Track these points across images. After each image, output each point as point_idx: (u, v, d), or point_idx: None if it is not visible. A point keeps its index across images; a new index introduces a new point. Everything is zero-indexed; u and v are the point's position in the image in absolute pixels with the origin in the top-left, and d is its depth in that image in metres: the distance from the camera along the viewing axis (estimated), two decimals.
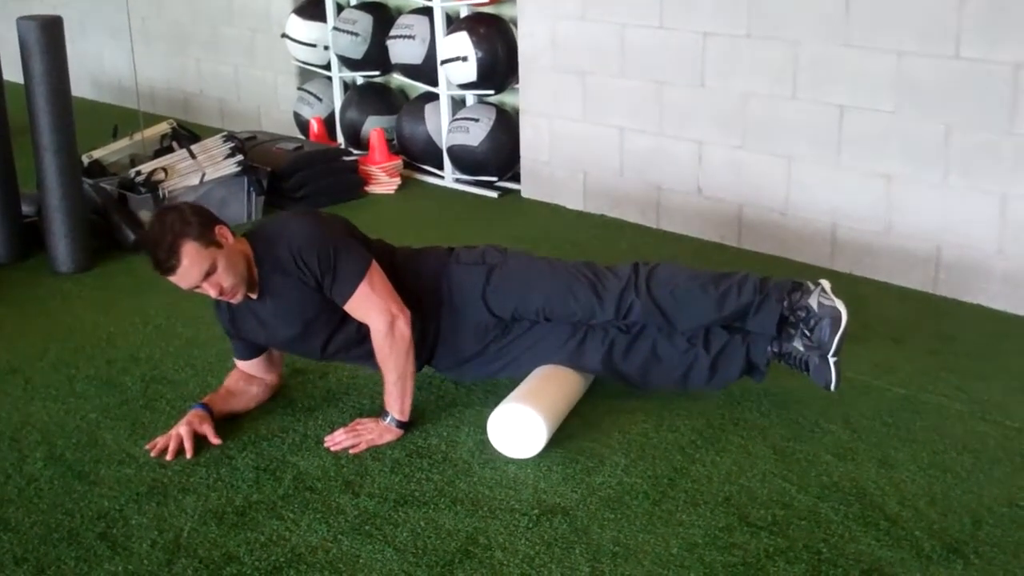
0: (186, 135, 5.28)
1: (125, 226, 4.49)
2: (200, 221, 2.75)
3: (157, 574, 2.37)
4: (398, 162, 5.52)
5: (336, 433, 2.91)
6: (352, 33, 5.60)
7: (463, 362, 3.08)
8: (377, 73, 5.82)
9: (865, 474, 2.70)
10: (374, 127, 5.57)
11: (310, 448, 2.88)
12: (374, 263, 2.86)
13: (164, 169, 4.75)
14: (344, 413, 3.06)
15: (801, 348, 2.90)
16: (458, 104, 5.42)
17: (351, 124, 5.81)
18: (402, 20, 5.43)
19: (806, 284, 2.92)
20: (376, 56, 5.62)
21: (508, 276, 2.99)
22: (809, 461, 2.76)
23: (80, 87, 5.59)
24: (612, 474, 2.72)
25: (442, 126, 5.39)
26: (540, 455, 2.80)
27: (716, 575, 2.33)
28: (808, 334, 2.86)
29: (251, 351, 3.04)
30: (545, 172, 5.09)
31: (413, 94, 5.73)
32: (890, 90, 3.84)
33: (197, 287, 2.76)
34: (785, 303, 2.89)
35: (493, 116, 5.17)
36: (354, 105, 5.83)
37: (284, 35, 6.02)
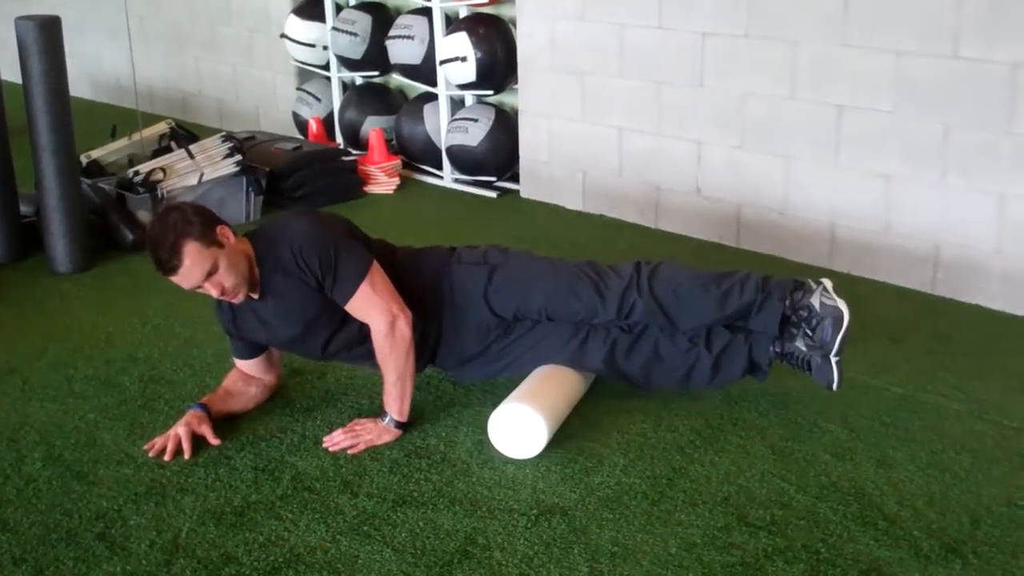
0: (184, 135, 5.27)
1: (123, 226, 4.49)
2: (202, 221, 2.75)
3: (155, 574, 2.37)
4: (397, 162, 5.52)
5: (334, 433, 2.91)
6: (351, 33, 5.60)
7: (465, 362, 3.08)
8: (376, 73, 5.81)
9: (863, 474, 2.70)
10: (373, 127, 5.57)
11: (308, 448, 2.88)
12: (375, 263, 2.86)
13: (162, 169, 4.75)
14: (342, 413, 3.06)
15: (803, 348, 2.90)
16: (457, 104, 5.42)
17: (350, 124, 5.81)
18: (401, 20, 5.43)
19: (808, 283, 2.92)
20: (375, 56, 5.62)
21: (510, 276, 2.99)
22: (808, 461, 2.76)
23: (78, 87, 5.59)
24: (611, 474, 2.72)
25: (441, 126, 5.39)
26: (539, 455, 2.80)
27: (714, 575, 2.33)
28: (810, 334, 2.86)
29: (251, 351, 3.04)
30: (544, 172, 5.09)
31: (412, 94, 5.73)
32: (889, 90, 3.84)
33: (199, 287, 2.76)
34: (787, 302, 2.89)
35: (492, 116, 5.17)
36: (353, 105, 5.83)
37: (283, 35, 6.02)
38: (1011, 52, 3.52)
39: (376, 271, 2.85)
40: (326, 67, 5.98)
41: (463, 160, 5.26)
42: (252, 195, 4.91)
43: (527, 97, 5.05)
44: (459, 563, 2.38)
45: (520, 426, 2.78)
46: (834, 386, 2.87)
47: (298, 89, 6.25)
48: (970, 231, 3.76)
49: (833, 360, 2.85)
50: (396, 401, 2.89)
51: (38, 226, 4.35)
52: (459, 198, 5.32)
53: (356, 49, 5.64)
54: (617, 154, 4.76)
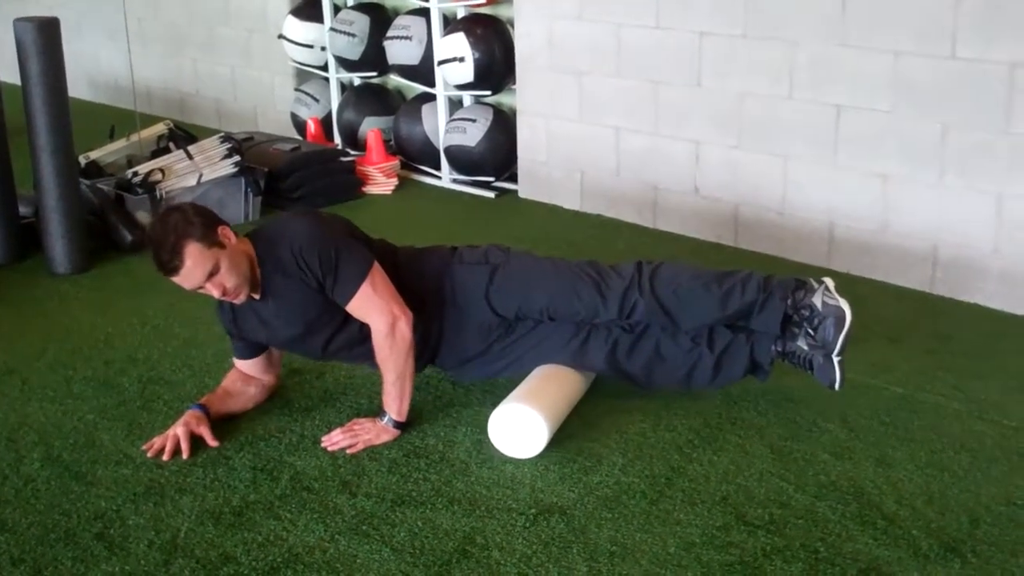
0: (183, 136, 5.27)
1: (122, 227, 4.49)
2: (203, 222, 2.75)
3: (154, 574, 2.37)
4: (395, 163, 5.52)
5: (333, 433, 2.91)
6: (349, 34, 5.60)
7: (466, 361, 3.08)
8: (374, 74, 5.81)
9: (862, 473, 2.70)
10: (371, 128, 5.58)
11: (307, 448, 2.88)
12: (376, 264, 2.85)
13: (161, 170, 4.75)
14: (341, 413, 3.06)
15: (805, 347, 2.89)
16: (455, 105, 5.43)
17: (348, 125, 5.81)
18: (399, 21, 5.43)
19: (810, 282, 2.92)
20: (373, 57, 5.62)
21: (511, 276, 2.99)
22: (806, 460, 2.76)
23: (77, 88, 5.58)
24: (609, 474, 2.72)
25: (439, 126, 5.39)
26: (538, 455, 2.79)
27: (713, 574, 2.33)
28: (812, 333, 2.86)
29: (251, 351, 3.04)
30: (542, 172, 5.09)
31: (410, 95, 5.73)
32: (887, 90, 3.84)
33: (200, 288, 2.76)
34: (789, 302, 2.89)
35: (490, 116, 5.18)
36: (351, 106, 5.83)
37: (281, 36, 6.01)
38: (1009, 52, 3.52)
39: (377, 272, 2.84)
40: (324, 68, 5.98)
41: (461, 160, 5.26)
42: (251, 196, 4.91)
43: (525, 97, 5.05)
44: (458, 563, 2.38)
45: (520, 426, 2.78)
46: (836, 386, 2.87)
47: (296, 90, 6.25)
48: (968, 231, 3.77)
49: (835, 360, 2.85)
50: (395, 401, 2.89)
51: (37, 227, 4.34)
52: (457, 198, 5.32)
53: (354, 50, 5.64)
54: (615, 154, 4.76)
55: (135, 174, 4.71)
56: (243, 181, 4.89)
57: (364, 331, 2.88)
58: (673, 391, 3.06)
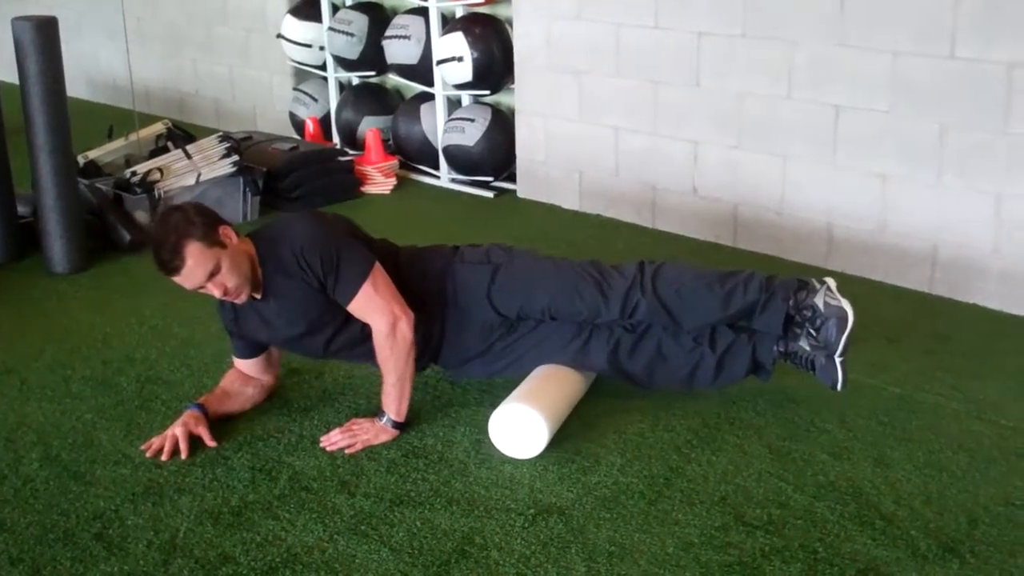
0: (181, 135, 5.27)
1: (120, 226, 4.49)
2: (204, 221, 2.75)
3: (153, 574, 2.37)
4: (394, 162, 5.52)
5: (332, 433, 2.91)
6: (348, 33, 5.60)
7: (467, 361, 3.08)
8: (373, 73, 5.81)
9: (861, 473, 2.70)
10: (370, 127, 5.57)
11: (306, 448, 2.88)
12: (377, 264, 2.85)
13: (160, 169, 4.75)
14: (340, 413, 3.06)
15: (807, 348, 2.89)
16: (454, 104, 5.42)
17: (347, 124, 5.81)
18: (397, 20, 5.42)
19: (812, 283, 2.92)
20: (372, 56, 5.62)
21: (513, 275, 2.99)
22: (805, 460, 2.76)
23: (75, 87, 5.58)
24: (608, 474, 2.72)
25: (438, 126, 5.39)
26: (536, 455, 2.79)
27: (712, 574, 2.33)
28: (814, 333, 2.86)
29: (251, 350, 3.04)
30: (541, 172, 5.09)
31: (409, 94, 5.73)
32: (886, 90, 3.84)
33: (201, 287, 2.76)
34: (791, 302, 2.89)
35: (489, 116, 5.18)
36: (350, 105, 5.83)
37: (279, 35, 6.01)
38: (1008, 52, 3.53)
39: (378, 272, 2.84)
40: (323, 67, 5.98)
41: (460, 160, 5.26)
42: (249, 195, 4.91)
43: (523, 97, 5.05)
44: (456, 563, 2.38)
45: (521, 426, 2.78)
46: (838, 386, 2.87)
47: (295, 89, 6.25)
48: (967, 231, 3.77)
49: (837, 360, 2.85)
50: (394, 402, 2.89)
51: (35, 226, 4.34)
52: (456, 198, 5.32)
53: (352, 49, 5.64)
54: (614, 154, 4.76)
55: (133, 173, 4.71)
56: (241, 181, 4.89)
57: (366, 331, 2.88)
58: (672, 391, 3.06)
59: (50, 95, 4.14)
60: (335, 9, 5.82)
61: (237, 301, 2.84)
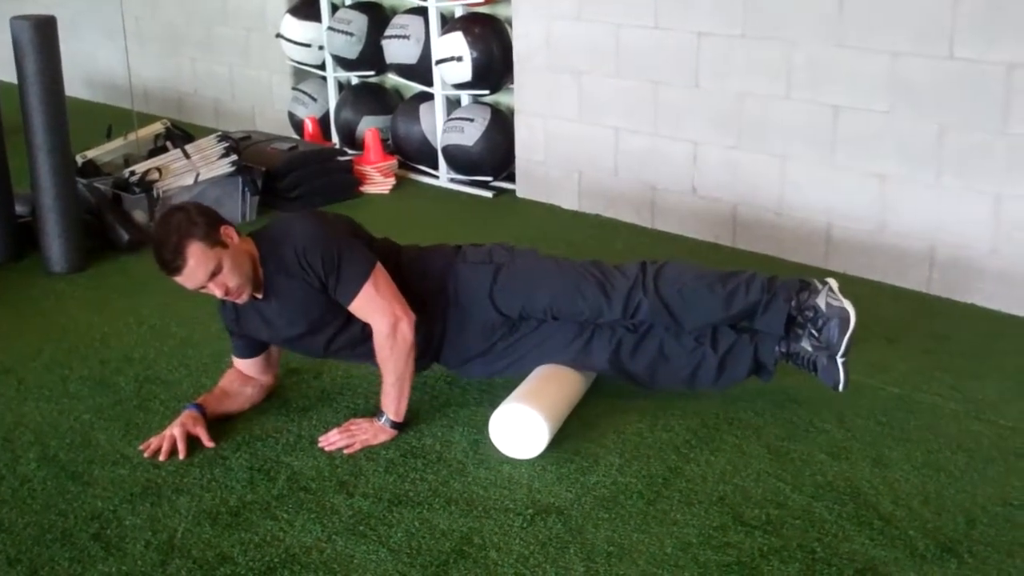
0: (180, 135, 5.27)
1: (119, 226, 4.49)
2: (206, 221, 2.75)
3: (151, 575, 2.37)
4: (393, 162, 5.51)
5: (330, 433, 2.91)
6: (347, 33, 5.60)
7: (467, 360, 3.07)
8: (372, 73, 5.81)
9: (859, 473, 2.70)
10: (369, 127, 5.57)
11: (304, 448, 2.88)
12: (378, 265, 2.85)
13: (158, 169, 4.74)
14: (339, 413, 3.06)
15: (809, 348, 2.89)
16: (453, 104, 5.42)
17: (346, 124, 5.81)
18: (397, 20, 5.42)
19: (814, 283, 2.91)
20: (371, 56, 5.62)
21: (515, 275, 2.98)
22: (803, 460, 2.76)
23: (74, 87, 5.58)
24: (607, 474, 2.72)
25: (437, 126, 5.39)
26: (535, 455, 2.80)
27: (710, 574, 2.33)
28: (816, 334, 2.85)
29: (251, 350, 3.04)
30: (540, 172, 5.09)
31: (408, 94, 5.72)
32: (885, 90, 3.84)
33: (203, 287, 2.76)
34: (793, 303, 2.88)
35: (488, 116, 5.17)
36: (349, 105, 5.83)
37: (279, 35, 6.01)
38: (1007, 53, 3.53)
39: (379, 272, 2.84)
40: (322, 67, 5.98)
41: (459, 160, 5.26)
42: (248, 195, 4.91)
43: (523, 97, 5.05)
44: (455, 563, 2.38)
45: (521, 427, 2.78)
46: (840, 387, 2.86)
47: (294, 89, 6.24)
48: (966, 231, 3.77)
49: (839, 361, 2.84)
50: (394, 402, 2.89)
51: (34, 226, 4.34)
52: (455, 198, 5.32)
53: (352, 49, 5.64)
54: (613, 154, 4.76)
55: (132, 173, 4.70)
56: (240, 180, 4.89)
57: (366, 331, 2.88)
58: (671, 391, 3.06)
59: (48, 94, 4.14)
60: (334, 9, 5.82)
61: (238, 301, 2.84)
